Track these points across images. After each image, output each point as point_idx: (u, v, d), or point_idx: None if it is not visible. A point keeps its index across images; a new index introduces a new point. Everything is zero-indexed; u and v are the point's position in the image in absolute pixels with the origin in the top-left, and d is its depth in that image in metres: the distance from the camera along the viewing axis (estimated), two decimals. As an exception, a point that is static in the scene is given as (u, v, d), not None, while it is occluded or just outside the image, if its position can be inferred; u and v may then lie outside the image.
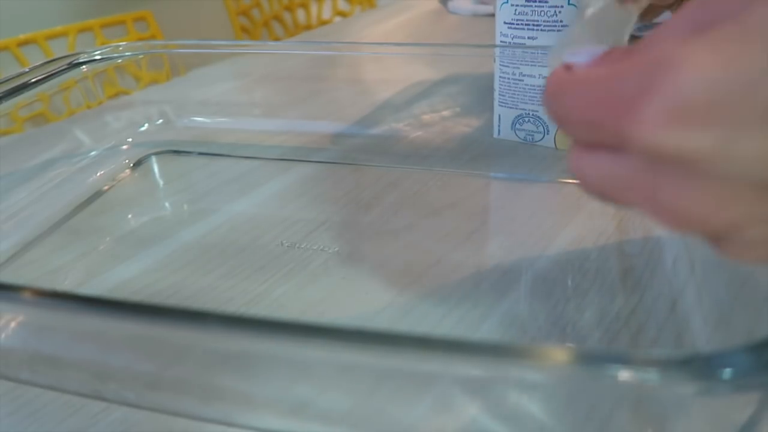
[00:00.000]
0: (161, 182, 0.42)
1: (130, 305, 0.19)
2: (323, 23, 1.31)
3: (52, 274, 0.32)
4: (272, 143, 0.45)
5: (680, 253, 0.29)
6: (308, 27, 1.28)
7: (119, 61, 0.42)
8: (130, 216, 0.37)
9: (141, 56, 0.43)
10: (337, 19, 1.34)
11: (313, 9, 1.30)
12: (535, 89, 0.40)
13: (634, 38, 0.20)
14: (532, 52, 0.39)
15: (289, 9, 1.24)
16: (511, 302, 0.27)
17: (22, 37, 0.85)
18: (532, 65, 0.39)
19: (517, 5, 0.39)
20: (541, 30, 0.39)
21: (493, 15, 0.42)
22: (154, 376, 0.22)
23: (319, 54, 0.45)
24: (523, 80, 0.40)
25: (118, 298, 0.19)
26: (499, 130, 0.43)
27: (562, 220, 0.33)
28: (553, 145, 0.41)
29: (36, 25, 0.87)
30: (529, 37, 0.39)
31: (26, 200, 0.38)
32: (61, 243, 0.34)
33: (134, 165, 0.43)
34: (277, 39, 1.21)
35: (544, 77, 0.39)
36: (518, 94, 0.41)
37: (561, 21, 0.38)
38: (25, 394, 0.25)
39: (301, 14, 1.27)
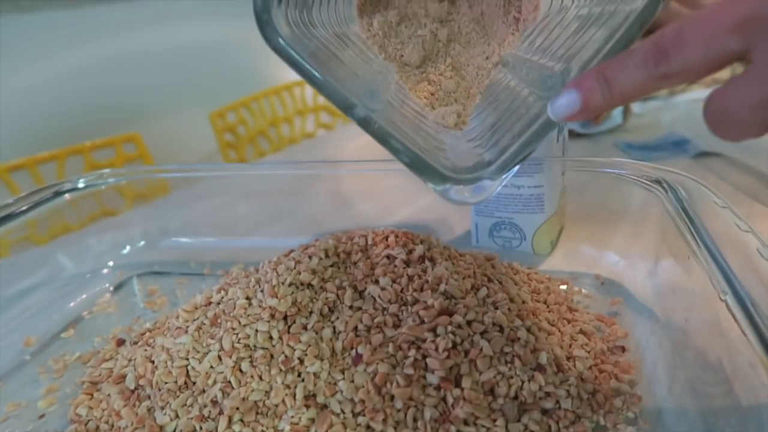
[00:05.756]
0: (141, 304, 0.41)
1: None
2: (307, 136, 1.36)
3: (23, 410, 0.31)
4: (254, 259, 0.45)
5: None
6: (293, 140, 1.33)
7: (102, 188, 0.43)
8: (106, 345, 0.36)
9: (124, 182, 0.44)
10: (320, 131, 1.39)
11: (297, 123, 1.35)
12: (509, 198, 0.41)
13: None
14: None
15: (274, 124, 1.29)
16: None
17: (12, 163, 0.87)
18: (504, 175, 0.41)
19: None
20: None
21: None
22: None
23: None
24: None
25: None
26: (477, 239, 0.44)
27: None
28: (531, 250, 0.42)
29: (26, 151, 0.90)
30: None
31: (3, 330, 0.37)
32: (35, 377, 0.33)
33: (114, 288, 0.43)
34: (262, 153, 1.24)
35: (517, 186, 0.40)
36: (493, 203, 0.42)
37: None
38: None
39: (285, 128, 1.32)
